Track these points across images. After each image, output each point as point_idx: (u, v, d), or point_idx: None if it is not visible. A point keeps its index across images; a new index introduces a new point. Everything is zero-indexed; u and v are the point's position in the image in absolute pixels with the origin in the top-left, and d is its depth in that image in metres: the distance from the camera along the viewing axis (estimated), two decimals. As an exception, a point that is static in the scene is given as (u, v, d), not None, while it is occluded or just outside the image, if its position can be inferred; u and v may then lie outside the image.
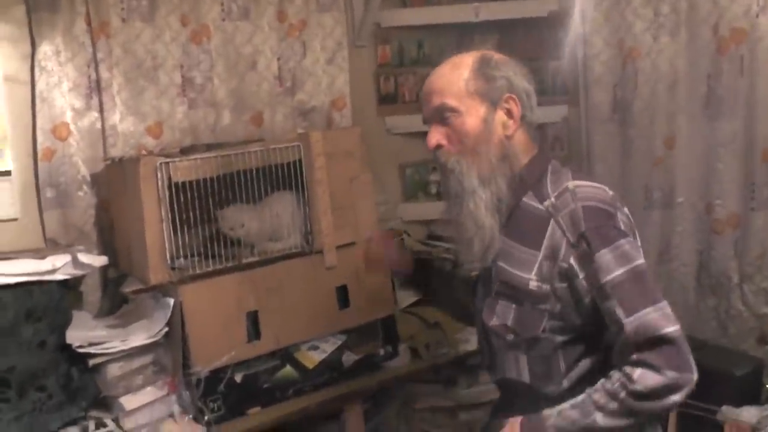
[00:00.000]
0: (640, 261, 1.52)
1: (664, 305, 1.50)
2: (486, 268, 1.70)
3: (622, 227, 1.56)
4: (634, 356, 1.48)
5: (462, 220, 1.63)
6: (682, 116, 3.26)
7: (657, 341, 1.46)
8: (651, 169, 3.36)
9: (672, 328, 1.47)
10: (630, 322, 1.47)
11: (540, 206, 1.61)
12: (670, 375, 1.45)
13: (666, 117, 3.29)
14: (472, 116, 1.62)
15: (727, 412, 2.67)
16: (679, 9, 3.19)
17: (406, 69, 3.68)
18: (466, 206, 1.62)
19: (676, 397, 1.47)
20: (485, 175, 1.62)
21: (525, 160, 1.66)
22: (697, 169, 3.26)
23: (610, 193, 1.61)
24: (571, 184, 1.60)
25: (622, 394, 1.48)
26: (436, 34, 3.70)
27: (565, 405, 1.54)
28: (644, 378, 1.46)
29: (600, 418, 1.49)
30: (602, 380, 1.53)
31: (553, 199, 1.59)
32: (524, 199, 1.64)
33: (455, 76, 1.64)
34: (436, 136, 1.66)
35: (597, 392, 1.51)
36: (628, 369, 1.48)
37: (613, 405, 1.49)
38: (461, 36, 3.69)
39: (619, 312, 1.48)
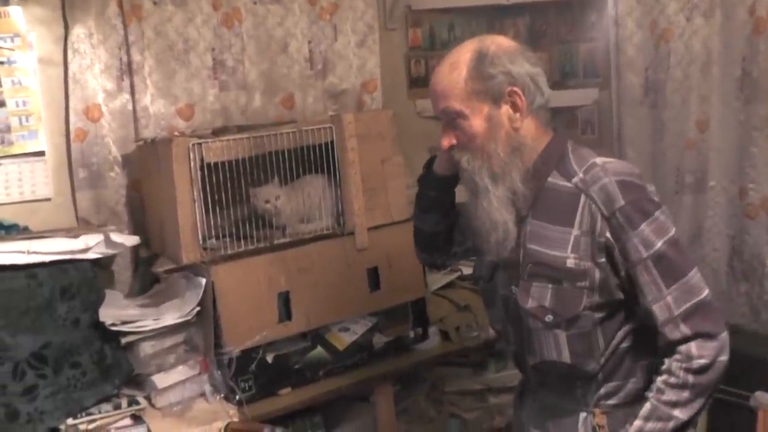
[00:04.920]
0: (674, 230, 1.55)
1: (696, 270, 1.55)
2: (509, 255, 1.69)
3: (656, 198, 1.57)
4: (686, 329, 1.51)
5: (478, 215, 1.64)
6: (716, 99, 3.20)
7: (700, 305, 1.52)
8: (683, 153, 3.31)
9: (707, 290, 1.54)
10: (672, 291, 1.51)
11: (568, 183, 1.60)
12: (722, 336, 1.52)
13: (699, 99, 3.24)
14: (477, 117, 1.60)
15: (760, 397, 2.65)
16: (714, -10, 3.15)
17: (437, 52, 3.65)
18: (480, 204, 1.62)
19: (724, 357, 1.52)
20: (497, 171, 1.61)
21: (540, 147, 1.64)
22: (730, 152, 3.20)
23: (636, 169, 1.62)
24: (599, 160, 1.60)
25: (690, 378, 1.50)
26: (467, 16, 3.68)
27: (637, 422, 1.54)
28: (704, 348, 1.50)
29: (681, 413, 1.51)
30: (659, 379, 1.54)
31: (581, 175, 1.59)
32: (549, 179, 1.63)
33: (454, 78, 1.61)
34: (448, 137, 1.66)
35: (663, 393, 1.52)
36: (683, 349, 1.51)
37: (686, 394, 1.51)
38: (492, 19, 3.68)
39: (660, 282, 1.52)
